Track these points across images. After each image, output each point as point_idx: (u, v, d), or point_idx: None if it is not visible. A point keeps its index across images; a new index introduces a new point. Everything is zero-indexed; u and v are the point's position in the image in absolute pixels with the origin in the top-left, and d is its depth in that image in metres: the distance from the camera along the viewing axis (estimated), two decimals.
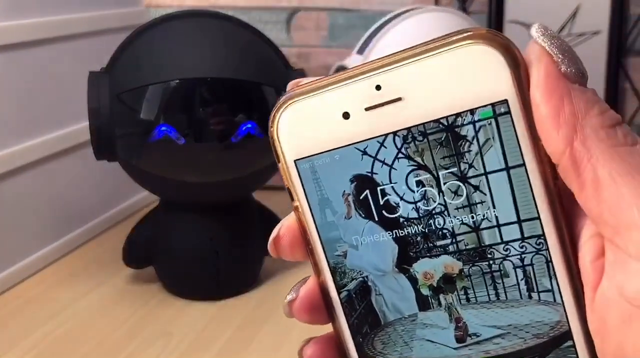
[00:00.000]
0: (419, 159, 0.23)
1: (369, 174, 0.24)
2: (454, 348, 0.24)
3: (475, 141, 0.22)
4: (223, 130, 0.58)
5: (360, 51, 0.73)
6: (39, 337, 0.58)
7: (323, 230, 0.25)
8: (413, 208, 0.24)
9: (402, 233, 0.24)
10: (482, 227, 0.23)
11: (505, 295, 0.23)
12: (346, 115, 0.23)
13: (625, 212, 0.20)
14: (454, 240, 0.23)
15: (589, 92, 0.21)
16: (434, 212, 0.23)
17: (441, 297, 0.24)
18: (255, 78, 0.60)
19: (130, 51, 0.61)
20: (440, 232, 0.24)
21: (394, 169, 0.23)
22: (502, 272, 0.23)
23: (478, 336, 0.24)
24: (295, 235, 0.26)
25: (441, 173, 0.23)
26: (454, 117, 0.22)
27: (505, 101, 0.21)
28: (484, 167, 0.22)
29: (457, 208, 0.23)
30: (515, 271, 0.23)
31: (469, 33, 0.22)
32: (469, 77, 0.22)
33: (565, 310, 0.22)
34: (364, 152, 0.24)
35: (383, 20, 0.74)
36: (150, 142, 0.58)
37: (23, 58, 0.69)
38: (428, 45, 0.22)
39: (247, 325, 0.60)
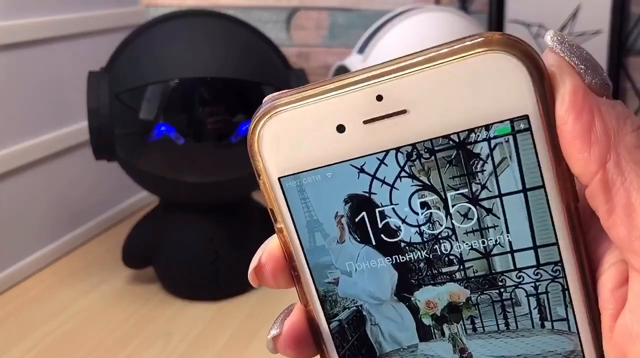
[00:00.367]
0: (424, 179, 0.21)
1: (367, 194, 0.22)
2: None
3: (489, 160, 0.20)
4: (223, 130, 0.58)
5: (361, 50, 0.73)
6: (39, 337, 0.58)
7: (312, 256, 0.23)
8: (416, 232, 0.22)
9: (403, 259, 0.22)
10: (493, 253, 0.21)
11: (516, 324, 0.22)
12: (341, 128, 0.21)
13: None
14: (461, 267, 0.22)
15: (618, 105, 0.20)
16: (440, 236, 0.22)
17: (445, 326, 0.23)
18: (255, 78, 0.60)
19: (130, 51, 0.61)
20: (446, 258, 0.22)
21: (395, 188, 0.21)
22: (514, 300, 0.22)
23: None
24: (279, 261, 0.23)
25: (449, 194, 0.21)
26: (466, 133, 0.20)
27: (526, 117, 0.19)
28: (499, 189, 0.21)
29: (466, 233, 0.21)
30: (528, 299, 0.22)
31: (485, 38, 0.19)
32: (485, 89, 0.19)
33: (580, 340, 0.21)
34: (361, 170, 0.21)
35: (384, 20, 0.74)
36: (150, 142, 0.58)
37: (23, 58, 0.69)
38: (438, 51, 0.20)
39: (246, 325, 0.60)
